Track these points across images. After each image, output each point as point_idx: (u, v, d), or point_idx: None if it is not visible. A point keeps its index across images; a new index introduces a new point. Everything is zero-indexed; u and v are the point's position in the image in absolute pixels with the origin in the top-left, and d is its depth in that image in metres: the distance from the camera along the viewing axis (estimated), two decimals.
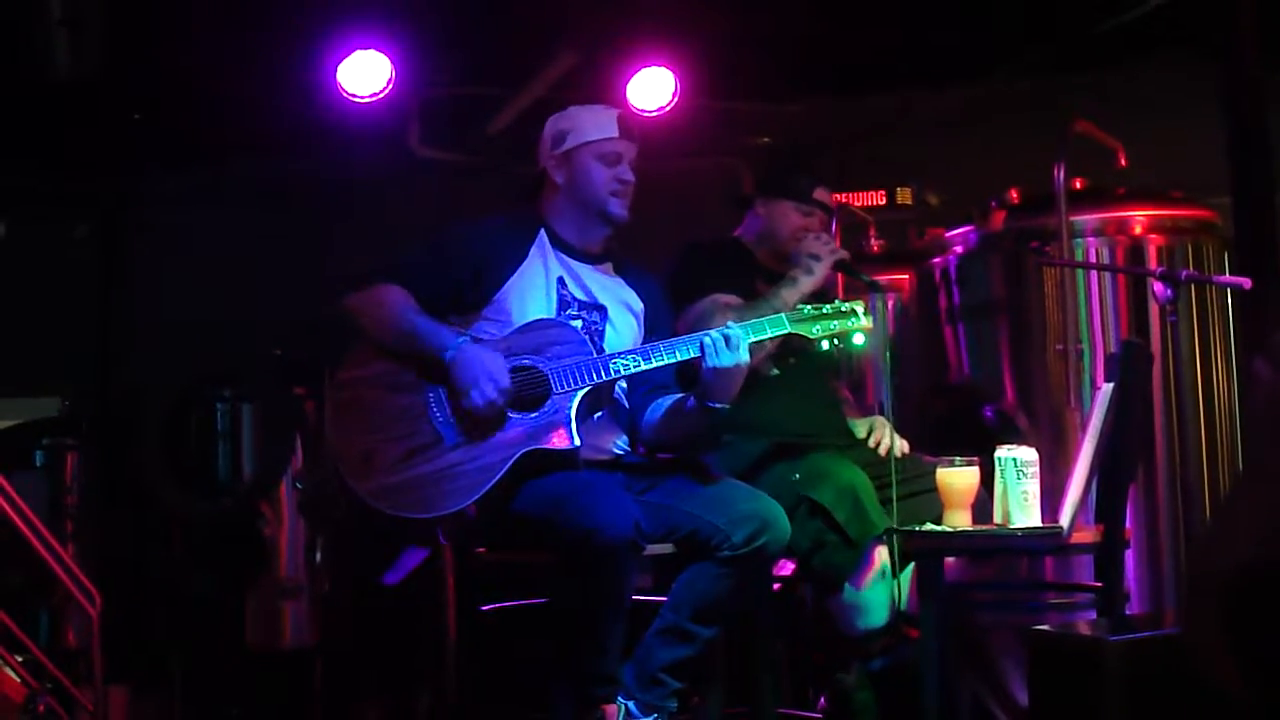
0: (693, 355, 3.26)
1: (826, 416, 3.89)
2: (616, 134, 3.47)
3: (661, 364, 3.26)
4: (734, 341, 3.20)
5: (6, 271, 6.02)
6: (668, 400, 3.39)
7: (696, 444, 3.44)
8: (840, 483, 3.54)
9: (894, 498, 3.38)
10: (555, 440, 3.23)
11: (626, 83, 5.20)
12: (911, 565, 3.63)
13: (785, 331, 3.32)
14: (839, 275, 4.45)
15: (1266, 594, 1.64)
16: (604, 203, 3.45)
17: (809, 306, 3.36)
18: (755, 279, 3.79)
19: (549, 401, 3.25)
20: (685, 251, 3.85)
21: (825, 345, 3.36)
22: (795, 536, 3.35)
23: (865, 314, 3.35)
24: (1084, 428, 3.46)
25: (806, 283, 3.61)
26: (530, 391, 3.27)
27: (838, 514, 3.49)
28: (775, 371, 3.71)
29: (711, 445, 3.54)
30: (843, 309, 3.35)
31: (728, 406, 3.25)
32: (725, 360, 3.19)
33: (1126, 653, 2.76)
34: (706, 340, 3.21)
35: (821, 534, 3.52)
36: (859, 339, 3.40)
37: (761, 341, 3.33)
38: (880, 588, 3.56)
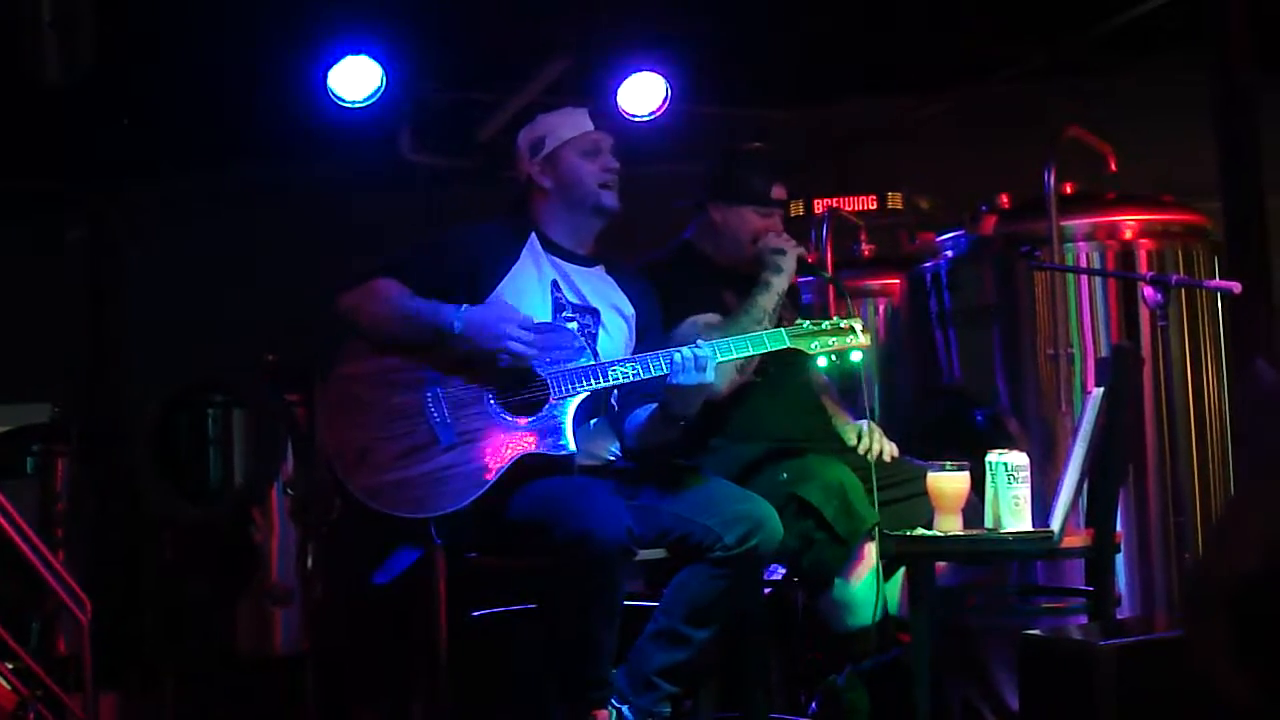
0: None
1: (815, 422, 3.88)
2: (591, 126, 3.50)
3: (660, 374, 3.26)
4: (701, 362, 3.21)
5: None
6: (647, 409, 3.39)
7: (673, 450, 3.44)
8: (828, 480, 3.54)
9: (874, 491, 3.43)
10: (551, 445, 3.23)
11: (618, 88, 5.21)
12: (902, 569, 3.63)
13: (784, 347, 3.34)
14: (830, 289, 4.46)
15: (1274, 602, 1.64)
16: (596, 196, 3.46)
17: (808, 322, 3.38)
18: (719, 286, 3.77)
19: (546, 406, 3.26)
20: (652, 269, 3.77)
21: (823, 362, 3.39)
22: (785, 536, 3.36)
23: (863, 331, 3.38)
24: (1075, 432, 3.47)
25: (779, 281, 3.61)
26: (528, 395, 3.27)
27: (826, 511, 3.50)
28: (757, 379, 3.71)
29: (688, 453, 3.54)
30: (841, 325, 3.37)
31: (688, 418, 3.30)
32: (689, 379, 3.21)
33: (1118, 657, 2.76)
34: (676, 357, 3.23)
35: (810, 532, 3.52)
36: (857, 356, 3.42)
37: (755, 356, 3.36)
38: (870, 585, 3.56)
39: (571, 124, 3.51)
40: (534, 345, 3.24)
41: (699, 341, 3.26)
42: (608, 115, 3.56)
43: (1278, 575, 1.67)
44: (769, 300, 3.59)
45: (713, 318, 3.60)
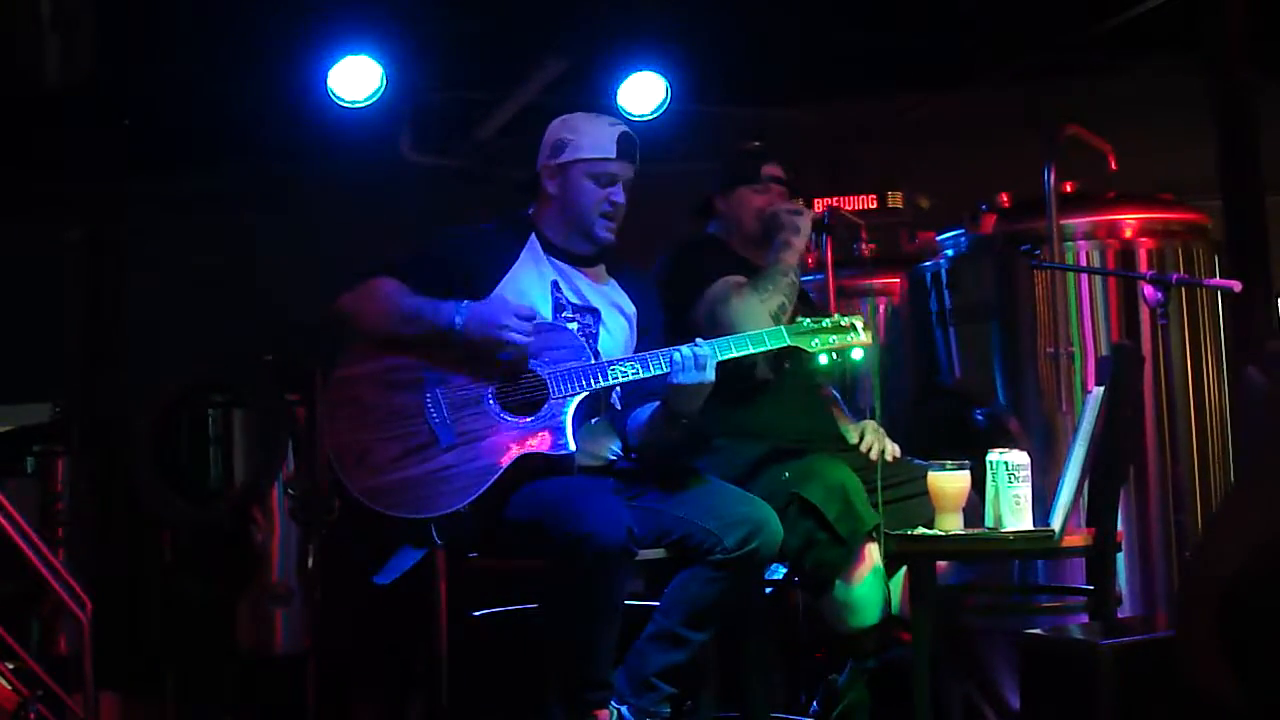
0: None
1: (819, 422, 3.89)
2: (614, 154, 3.43)
3: (660, 373, 3.27)
4: (701, 360, 3.23)
5: None
6: (649, 407, 3.39)
7: (674, 451, 3.44)
8: (829, 481, 3.55)
9: (879, 490, 3.46)
10: (551, 445, 3.23)
11: (618, 88, 5.20)
12: (904, 569, 3.63)
13: (785, 345, 3.34)
14: (830, 286, 4.47)
15: (1264, 601, 1.65)
16: (591, 224, 3.45)
17: (808, 320, 3.39)
18: (740, 271, 3.80)
19: (546, 406, 3.26)
20: (679, 250, 3.86)
21: (823, 359, 3.39)
22: (786, 536, 3.37)
23: (864, 329, 3.38)
24: (1075, 431, 3.47)
25: (798, 240, 3.72)
26: (528, 395, 3.27)
27: (828, 512, 3.50)
28: (770, 375, 3.73)
29: (691, 453, 3.54)
30: (842, 323, 3.38)
31: (689, 417, 3.31)
32: (690, 378, 3.22)
33: (1119, 656, 2.77)
34: (676, 356, 3.24)
35: (812, 533, 3.53)
36: (858, 354, 3.42)
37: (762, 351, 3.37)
38: (872, 585, 3.57)
39: (595, 144, 3.43)
40: (531, 335, 3.24)
41: (698, 340, 3.26)
42: (635, 146, 3.51)
43: (1262, 576, 1.67)
44: (790, 255, 3.69)
45: (741, 278, 3.66)
